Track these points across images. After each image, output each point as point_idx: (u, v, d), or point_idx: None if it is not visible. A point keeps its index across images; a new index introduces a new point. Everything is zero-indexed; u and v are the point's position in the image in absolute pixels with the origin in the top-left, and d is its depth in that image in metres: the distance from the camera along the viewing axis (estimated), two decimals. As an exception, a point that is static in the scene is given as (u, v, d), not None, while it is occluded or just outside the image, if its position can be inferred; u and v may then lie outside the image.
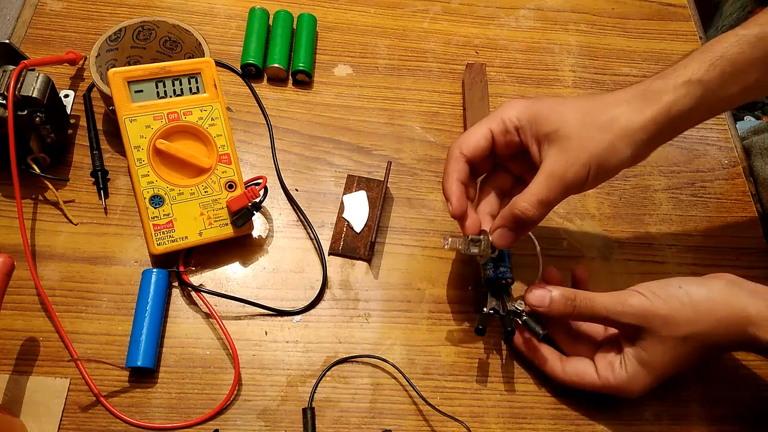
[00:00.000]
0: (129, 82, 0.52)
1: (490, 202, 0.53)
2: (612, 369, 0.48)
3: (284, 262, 0.57)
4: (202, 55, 0.60)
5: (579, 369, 0.50)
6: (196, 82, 0.54)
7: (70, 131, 0.61)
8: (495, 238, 0.49)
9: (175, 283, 0.55)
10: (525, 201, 0.46)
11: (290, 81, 0.68)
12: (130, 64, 0.63)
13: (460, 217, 0.50)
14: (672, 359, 0.46)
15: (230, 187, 0.55)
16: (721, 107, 0.49)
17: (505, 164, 0.53)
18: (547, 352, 0.51)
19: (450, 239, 0.51)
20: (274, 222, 0.59)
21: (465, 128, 0.67)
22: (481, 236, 0.49)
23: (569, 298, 0.48)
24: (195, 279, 0.55)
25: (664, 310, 0.46)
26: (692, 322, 0.45)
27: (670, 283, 0.47)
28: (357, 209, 0.60)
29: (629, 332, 0.48)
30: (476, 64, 0.69)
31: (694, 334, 0.45)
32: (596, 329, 0.53)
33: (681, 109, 0.46)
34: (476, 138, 0.49)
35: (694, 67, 0.46)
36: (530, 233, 0.55)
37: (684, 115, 0.46)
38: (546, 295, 0.48)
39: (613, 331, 0.51)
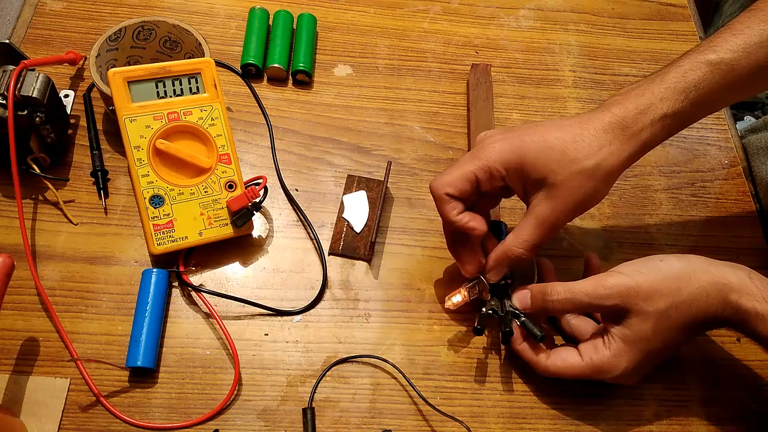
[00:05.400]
0: (129, 82, 0.52)
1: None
2: (595, 349, 0.48)
3: (284, 262, 0.57)
4: (202, 55, 0.60)
5: (563, 355, 0.50)
6: (196, 82, 0.54)
7: (70, 131, 0.61)
8: (490, 276, 0.52)
9: (175, 283, 0.55)
10: (519, 247, 0.49)
11: (290, 81, 0.68)
12: (130, 64, 0.63)
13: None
14: (656, 334, 0.46)
15: (230, 187, 0.55)
16: (687, 127, 0.52)
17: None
18: (531, 344, 0.51)
19: (453, 299, 0.53)
20: (274, 222, 0.59)
21: (468, 128, 0.67)
22: (476, 281, 0.53)
23: (544, 291, 0.49)
24: (195, 279, 0.55)
25: (646, 285, 0.46)
26: (675, 292, 0.46)
27: (650, 259, 0.49)
28: (357, 209, 0.60)
29: (613, 314, 0.48)
30: (481, 65, 0.69)
31: (676, 304, 0.46)
32: (586, 328, 0.53)
33: (654, 140, 0.49)
34: (461, 181, 0.49)
35: (670, 100, 0.49)
36: None
37: (656, 143, 0.50)
38: (527, 294, 0.51)
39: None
